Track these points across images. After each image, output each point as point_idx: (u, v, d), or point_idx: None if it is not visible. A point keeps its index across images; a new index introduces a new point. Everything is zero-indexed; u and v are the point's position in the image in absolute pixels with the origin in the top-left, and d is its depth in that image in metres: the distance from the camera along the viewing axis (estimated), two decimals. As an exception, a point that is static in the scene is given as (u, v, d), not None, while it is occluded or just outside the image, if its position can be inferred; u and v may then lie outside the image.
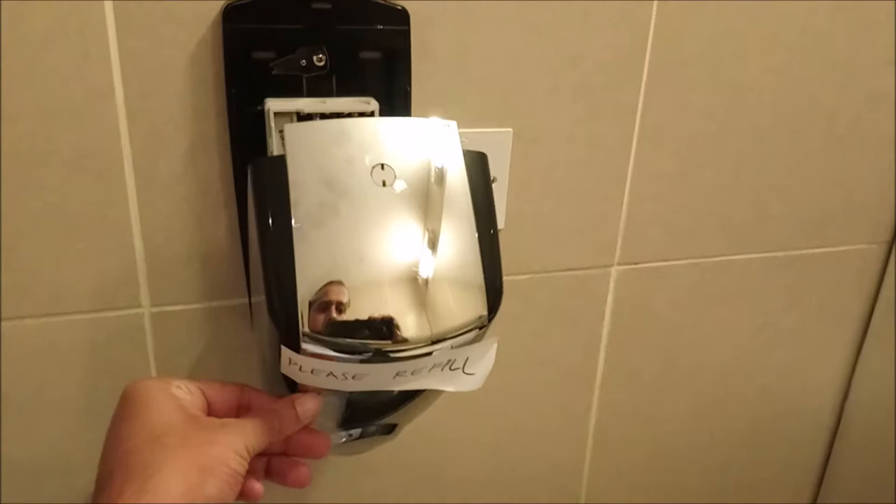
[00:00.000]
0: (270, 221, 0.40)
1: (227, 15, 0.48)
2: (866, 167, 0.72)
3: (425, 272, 0.41)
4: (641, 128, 0.63)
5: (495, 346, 0.45)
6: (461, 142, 0.44)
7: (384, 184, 0.41)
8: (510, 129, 0.59)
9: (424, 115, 0.55)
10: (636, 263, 0.68)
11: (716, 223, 0.69)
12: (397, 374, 0.42)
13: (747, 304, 0.75)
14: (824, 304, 0.78)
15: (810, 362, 0.82)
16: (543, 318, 0.68)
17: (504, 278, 0.44)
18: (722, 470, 0.85)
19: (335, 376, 0.41)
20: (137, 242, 0.54)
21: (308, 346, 0.39)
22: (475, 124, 0.57)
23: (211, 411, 0.43)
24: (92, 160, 0.50)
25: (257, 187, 0.41)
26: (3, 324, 0.53)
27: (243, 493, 0.42)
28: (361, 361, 0.40)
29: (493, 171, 0.59)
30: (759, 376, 0.80)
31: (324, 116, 0.49)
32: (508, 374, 0.69)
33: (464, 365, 0.44)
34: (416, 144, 0.43)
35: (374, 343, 0.40)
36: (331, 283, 0.39)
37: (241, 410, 0.45)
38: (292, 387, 0.44)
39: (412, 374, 0.42)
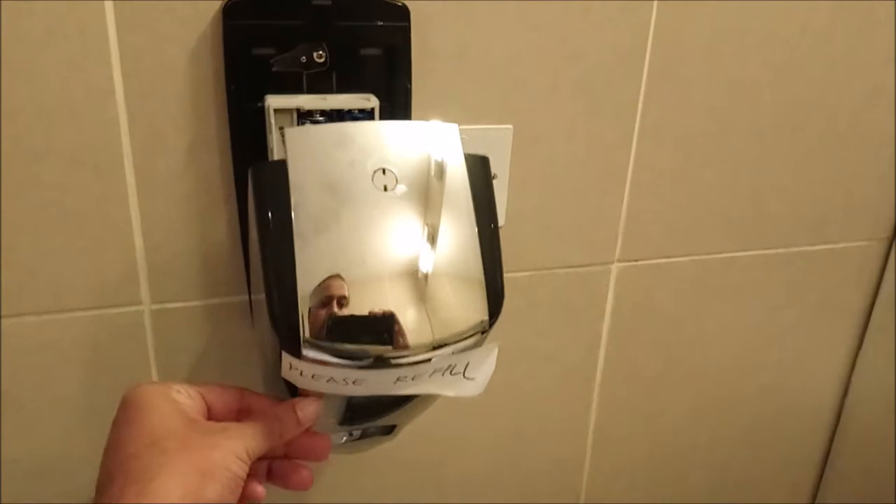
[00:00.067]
0: (271, 227, 0.40)
1: (227, 11, 0.48)
2: (866, 164, 0.72)
3: (426, 277, 0.41)
4: (642, 125, 0.63)
5: (496, 351, 0.44)
6: (463, 144, 0.44)
7: (385, 188, 0.41)
8: (510, 126, 0.59)
9: (425, 111, 0.55)
10: (636, 260, 0.68)
11: (716, 220, 0.69)
12: (398, 380, 0.42)
13: (748, 300, 0.75)
14: (824, 300, 0.78)
15: (810, 359, 0.82)
16: (544, 316, 0.68)
17: (504, 275, 0.44)
18: (722, 466, 0.85)
19: (336, 381, 0.41)
20: (137, 239, 0.53)
21: (309, 353, 0.39)
22: (475, 121, 0.57)
23: (211, 415, 0.43)
24: (92, 157, 0.50)
25: (258, 192, 0.41)
26: (3, 321, 0.53)
27: (245, 496, 0.42)
28: (362, 367, 0.40)
29: (494, 168, 0.59)
30: (759, 373, 0.80)
31: (324, 113, 0.49)
32: (509, 372, 0.69)
33: (465, 370, 0.44)
34: (417, 148, 0.43)
35: (375, 349, 0.40)
36: (332, 277, 0.39)
37: (241, 414, 0.45)
38: (293, 388, 0.44)
39: (413, 379, 0.42)
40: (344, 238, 0.40)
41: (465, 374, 0.44)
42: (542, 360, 0.70)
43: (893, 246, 0.77)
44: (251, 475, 0.41)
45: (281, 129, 0.49)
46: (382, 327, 0.40)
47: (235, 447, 0.39)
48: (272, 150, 0.49)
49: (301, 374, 0.40)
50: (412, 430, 0.56)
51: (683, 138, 0.65)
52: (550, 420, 0.74)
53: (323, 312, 0.39)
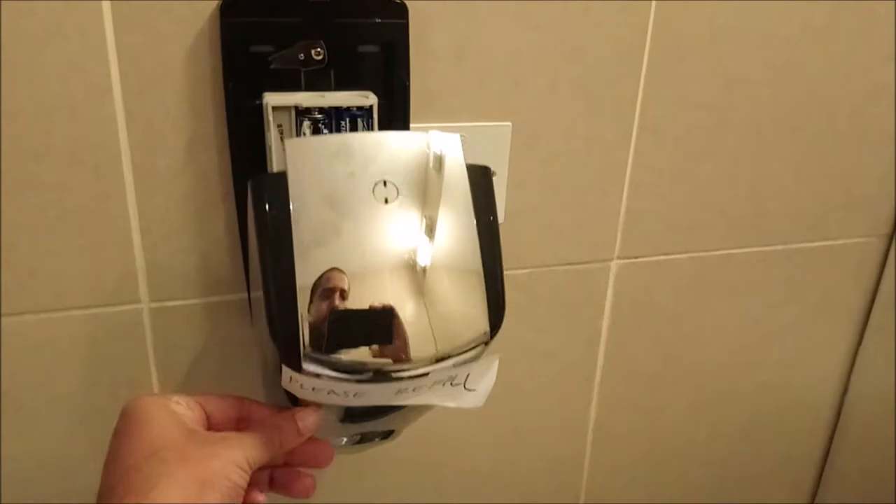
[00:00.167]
0: (271, 241, 0.40)
1: (225, 9, 0.48)
2: (866, 161, 0.72)
3: (427, 290, 0.41)
4: (641, 122, 0.63)
5: (497, 363, 0.44)
6: (464, 154, 0.43)
7: (386, 201, 0.41)
8: (509, 123, 0.59)
9: (423, 108, 0.55)
10: (636, 257, 0.68)
11: (715, 217, 0.69)
12: (398, 392, 0.42)
13: (747, 297, 0.75)
14: (824, 297, 0.78)
15: (810, 356, 0.82)
16: (543, 313, 0.68)
17: (504, 273, 0.44)
18: (721, 464, 0.85)
19: (336, 394, 0.41)
20: (136, 238, 0.53)
21: (309, 367, 0.39)
22: (474, 118, 0.57)
23: (211, 425, 0.43)
24: (90, 156, 0.50)
25: (258, 205, 0.41)
26: (2, 320, 0.53)
27: None
28: (362, 381, 0.40)
29: (493, 165, 0.59)
30: (758, 370, 0.80)
31: (322, 110, 0.49)
32: (508, 369, 0.68)
33: (465, 381, 0.44)
34: (418, 159, 0.42)
35: (375, 363, 0.40)
36: (332, 269, 0.39)
37: (240, 423, 0.45)
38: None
39: (413, 390, 0.42)
40: (344, 251, 0.40)
41: (466, 385, 0.44)
42: (542, 358, 0.70)
43: (893, 242, 0.77)
44: (252, 484, 0.41)
45: (279, 126, 0.49)
46: (384, 341, 0.40)
47: (235, 456, 0.39)
48: (270, 147, 0.49)
49: (301, 386, 0.40)
50: (412, 430, 0.56)
51: (682, 136, 0.64)
52: (550, 417, 0.74)
53: (324, 306, 0.39)
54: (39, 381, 0.56)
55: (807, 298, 0.78)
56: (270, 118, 0.48)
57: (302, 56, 0.49)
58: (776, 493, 0.90)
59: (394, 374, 0.40)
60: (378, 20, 0.51)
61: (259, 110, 0.49)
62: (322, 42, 0.49)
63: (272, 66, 0.49)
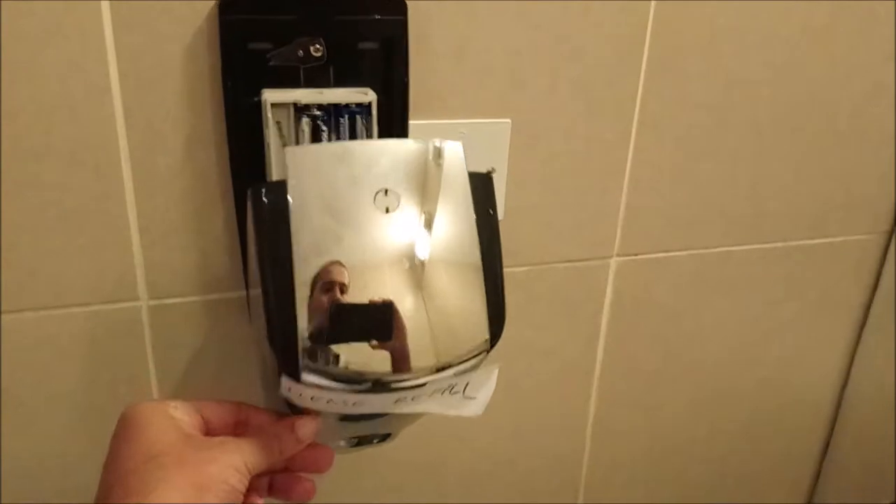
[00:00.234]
0: (271, 250, 0.39)
1: (223, 7, 0.48)
2: (865, 158, 0.72)
3: (428, 300, 0.40)
4: (640, 119, 0.62)
5: (496, 372, 0.44)
6: (466, 163, 0.43)
7: (387, 210, 0.41)
8: (508, 120, 0.58)
9: (422, 105, 0.55)
10: (635, 255, 0.68)
11: (715, 214, 0.69)
12: (398, 400, 0.42)
13: (746, 295, 0.75)
14: (823, 294, 0.78)
15: (809, 353, 0.82)
16: (543, 310, 0.68)
17: (504, 274, 0.44)
18: (720, 460, 0.85)
19: (335, 402, 0.41)
20: (135, 236, 0.53)
21: (308, 377, 0.39)
22: (473, 115, 0.57)
23: (209, 430, 0.43)
24: (90, 155, 0.50)
25: (258, 215, 0.40)
26: (2, 317, 0.53)
27: None
28: (361, 392, 0.40)
29: (492, 162, 0.59)
30: (758, 367, 0.80)
31: (321, 107, 0.49)
32: (508, 367, 0.68)
33: (464, 389, 0.44)
34: (420, 167, 0.42)
35: (374, 374, 0.40)
36: (333, 263, 0.39)
37: (238, 427, 0.45)
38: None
39: (412, 399, 0.42)
40: (345, 261, 0.40)
41: (465, 394, 0.44)
42: (541, 355, 0.70)
43: (893, 240, 0.77)
44: (251, 489, 0.41)
45: (278, 123, 0.49)
46: (383, 337, 0.40)
47: (233, 460, 0.39)
48: (269, 144, 0.49)
49: (300, 395, 0.40)
50: (411, 428, 0.56)
51: (682, 133, 0.64)
52: (549, 414, 0.74)
53: (325, 299, 0.39)
54: (39, 378, 0.56)
55: (806, 295, 0.78)
56: (269, 115, 0.48)
57: (301, 53, 0.49)
58: (775, 489, 0.91)
59: (393, 385, 0.40)
60: (377, 17, 0.50)
61: (258, 108, 0.49)
62: (321, 39, 0.49)
63: (271, 64, 0.49)
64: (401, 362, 0.40)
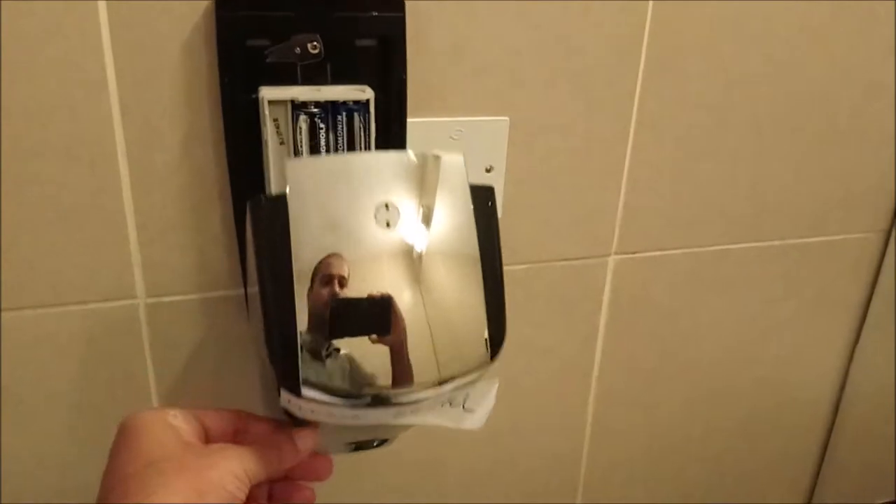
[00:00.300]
0: (270, 266, 0.39)
1: (220, 3, 0.48)
2: (864, 157, 0.72)
3: (428, 316, 0.40)
4: (639, 118, 0.62)
5: (496, 385, 0.44)
6: (468, 176, 0.43)
7: (388, 224, 0.40)
8: (507, 118, 0.58)
9: (420, 102, 0.55)
10: (633, 253, 0.68)
11: (713, 213, 0.69)
12: (397, 414, 0.42)
13: (744, 293, 0.75)
14: (822, 293, 0.78)
15: (808, 352, 0.82)
16: (541, 309, 0.68)
17: (504, 291, 0.44)
18: (719, 459, 0.85)
19: (335, 415, 0.41)
20: (132, 233, 0.53)
21: (309, 393, 0.39)
22: (471, 113, 0.57)
23: (209, 439, 0.43)
24: (86, 152, 0.50)
25: (257, 229, 0.40)
26: (0, 315, 0.53)
27: None
28: (361, 406, 0.40)
29: (490, 160, 0.59)
30: (756, 366, 0.80)
31: (318, 104, 0.49)
32: (506, 366, 0.68)
33: (464, 402, 0.44)
34: (421, 181, 0.42)
35: (374, 389, 0.40)
36: (332, 255, 0.39)
37: (238, 435, 0.45)
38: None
39: (412, 412, 0.42)
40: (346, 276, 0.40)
41: (465, 406, 0.44)
42: (539, 354, 0.70)
43: (891, 238, 0.77)
44: (250, 498, 0.41)
45: (276, 120, 0.49)
46: (382, 332, 0.40)
47: (233, 467, 0.39)
48: (266, 142, 0.49)
49: (300, 408, 0.40)
50: (411, 429, 0.56)
51: (680, 132, 0.64)
52: (548, 413, 0.74)
53: (325, 292, 0.39)
54: (37, 376, 0.55)
55: (805, 294, 0.78)
56: (266, 112, 0.48)
57: (298, 50, 0.49)
58: (774, 488, 0.91)
59: (393, 400, 0.40)
60: (375, 14, 0.50)
61: (255, 105, 0.49)
62: (318, 36, 0.49)
63: (268, 61, 0.49)
64: (402, 376, 0.40)
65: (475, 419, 0.44)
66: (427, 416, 0.43)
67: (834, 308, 0.80)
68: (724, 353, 0.78)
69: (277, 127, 0.49)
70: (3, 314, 0.53)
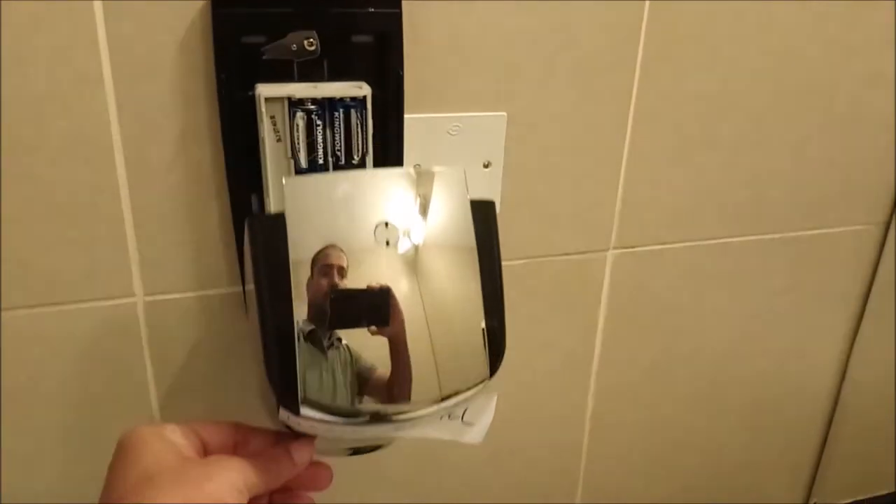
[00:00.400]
0: (269, 287, 0.39)
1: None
2: (864, 148, 0.72)
3: (429, 333, 0.40)
4: (637, 110, 0.62)
5: (495, 399, 0.45)
6: (468, 191, 0.43)
7: (388, 243, 0.40)
8: (504, 113, 0.58)
9: (417, 98, 0.55)
10: (632, 247, 0.68)
11: (712, 206, 0.69)
12: (397, 428, 0.42)
13: (744, 286, 0.75)
14: (822, 285, 0.78)
15: (808, 344, 0.82)
16: (540, 303, 0.68)
17: (504, 308, 0.44)
18: (719, 452, 0.85)
19: (334, 431, 0.41)
20: (129, 231, 0.53)
21: (307, 412, 0.39)
22: (469, 108, 0.57)
23: (207, 453, 0.43)
24: (82, 148, 0.50)
25: (255, 248, 0.40)
26: (-3, 314, 0.53)
27: None
28: (360, 424, 0.40)
29: (488, 155, 0.59)
30: (756, 358, 0.80)
31: (315, 101, 0.48)
32: (506, 360, 0.68)
33: (462, 415, 0.44)
34: (420, 198, 0.42)
35: (372, 408, 0.40)
36: (330, 246, 0.39)
37: (237, 448, 0.45)
38: None
39: (411, 426, 0.42)
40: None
41: (464, 419, 0.44)
42: (539, 348, 0.70)
43: (891, 230, 0.77)
44: None
45: (272, 117, 0.49)
46: (380, 322, 0.40)
47: (232, 478, 0.39)
48: (263, 139, 0.49)
49: (299, 424, 0.40)
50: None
51: (679, 124, 0.64)
52: (548, 407, 0.74)
53: (325, 281, 0.39)
54: (35, 375, 0.55)
55: (804, 286, 0.77)
56: (263, 109, 0.48)
57: (295, 47, 0.49)
58: (774, 480, 0.91)
59: (392, 417, 0.40)
60: (371, 10, 0.50)
61: (252, 101, 0.49)
62: (315, 32, 0.49)
63: (265, 57, 0.49)
64: (400, 394, 0.40)
65: (475, 433, 0.45)
66: (426, 429, 0.43)
67: (833, 300, 0.80)
68: (723, 346, 0.78)
69: (274, 124, 0.49)
70: (0, 314, 0.53)
